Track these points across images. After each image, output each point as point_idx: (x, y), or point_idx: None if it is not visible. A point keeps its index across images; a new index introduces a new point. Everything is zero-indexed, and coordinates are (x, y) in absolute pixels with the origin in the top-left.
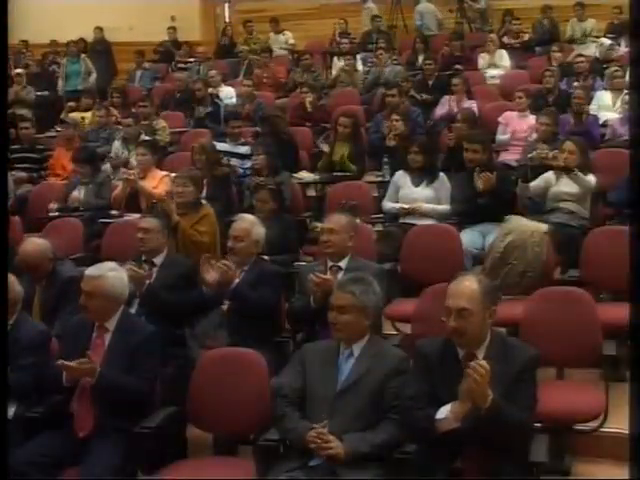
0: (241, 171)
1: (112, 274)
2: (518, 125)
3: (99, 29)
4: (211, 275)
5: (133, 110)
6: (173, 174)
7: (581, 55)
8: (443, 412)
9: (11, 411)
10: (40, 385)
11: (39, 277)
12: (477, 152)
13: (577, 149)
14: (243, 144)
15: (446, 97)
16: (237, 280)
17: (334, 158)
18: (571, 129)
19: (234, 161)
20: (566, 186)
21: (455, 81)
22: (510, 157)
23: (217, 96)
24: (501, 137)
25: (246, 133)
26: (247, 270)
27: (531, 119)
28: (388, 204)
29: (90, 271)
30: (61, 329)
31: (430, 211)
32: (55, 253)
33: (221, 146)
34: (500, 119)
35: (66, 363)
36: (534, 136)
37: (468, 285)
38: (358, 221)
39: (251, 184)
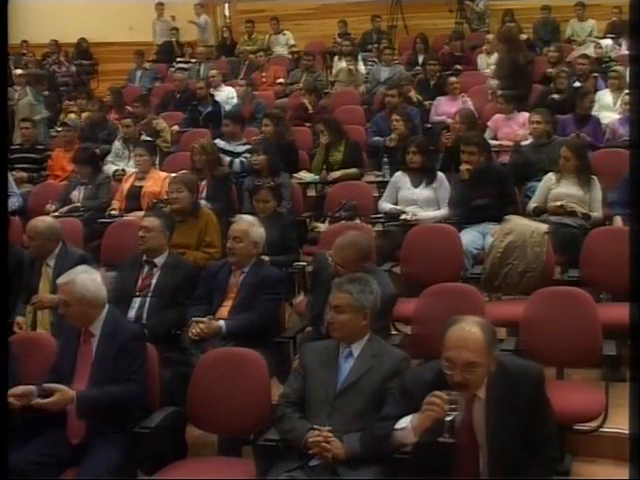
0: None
1: (82, 277)
2: (507, 127)
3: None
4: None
5: (128, 108)
6: (173, 174)
7: (585, 56)
8: (403, 423)
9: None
10: None
11: (41, 254)
12: (473, 154)
13: (573, 154)
14: (244, 144)
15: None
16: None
17: (331, 159)
18: (573, 130)
19: (236, 162)
20: (567, 187)
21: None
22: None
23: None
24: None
25: (249, 133)
26: (247, 272)
27: (520, 117)
28: (384, 205)
29: (61, 279)
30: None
31: (426, 219)
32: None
33: (224, 145)
34: (489, 123)
35: (40, 402)
36: (522, 133)
37: (474, 336)
38: (358, 221)
39: (250, 185)
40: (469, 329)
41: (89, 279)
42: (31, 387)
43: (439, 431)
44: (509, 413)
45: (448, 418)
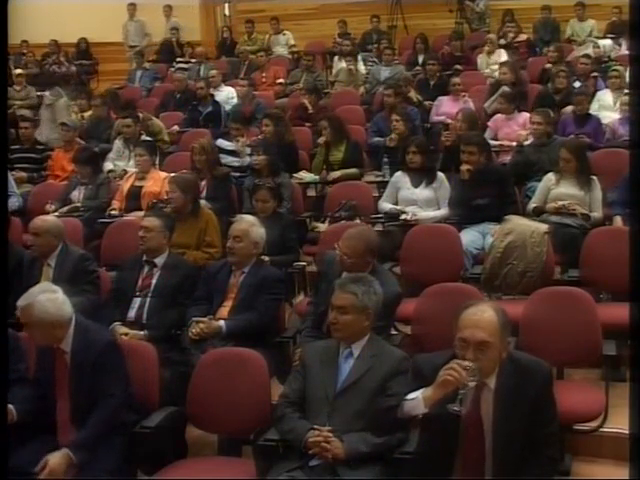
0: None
1: (40, 298)
2: (508, 127)
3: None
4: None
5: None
6: (173, 174)
7: (587, 56)
8: (414, 394)
9: None
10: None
11: (45, 252)
12: (473, 154)
13: (572, 156)
14: (248, 145)
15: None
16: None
17: (331, 159)
18: (573, 130)
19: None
20: (567, 188)
21: (457, 80)
22: (509, 158)
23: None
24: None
25: (251, 134)
26: (247, 272)
27: (520, 117)
28: (384, 205)
29: (20, 301)
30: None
31: (426, 219)
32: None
33: (226, 145)
34: (489, 123)
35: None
36: (524, 133)
37: (488, 316)
38: (358, 221)
39: (250, 185)
40: (483, 311)
41: (48, 300)
42: (9, 406)
43: (450, 402)
44: (517, 406)
45: (461, 390)
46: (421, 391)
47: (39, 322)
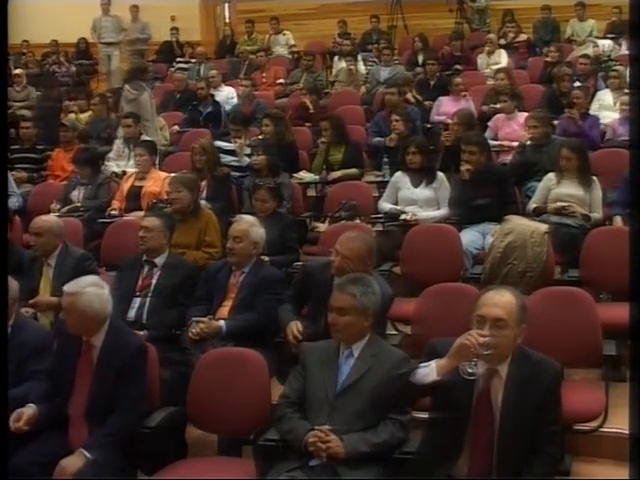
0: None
1: (89, 290)
2: (508, 127)
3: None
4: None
5: None
6: (173, 174)
7: (586, 56)
8: (427, 363)
9: None
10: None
11: (46, 251)
12: (473, 154)
13: (574, 155)
14: (248, 145)
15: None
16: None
17: (331, 159)
18: (570, 130)
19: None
20: (568, 187)
21: (459, 80)
22: (509, 158)
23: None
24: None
25: (251, 134)
26: (247, 272)
27: (520, 117)
28: (384, 205)
29: (68, 286)
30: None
31: (426, 219)
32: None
33: (225, 146)
34: (490, 123)
35: None
36: (525, 134)
37: (505, 297)
38: (358, 221)
39: (250, 185)
40: (502, 294)
41: (96, 295)
42: (31, 405)
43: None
44: (524, 400)
45: (474, 359)
46: (435, 360)
47: (81, 313)
